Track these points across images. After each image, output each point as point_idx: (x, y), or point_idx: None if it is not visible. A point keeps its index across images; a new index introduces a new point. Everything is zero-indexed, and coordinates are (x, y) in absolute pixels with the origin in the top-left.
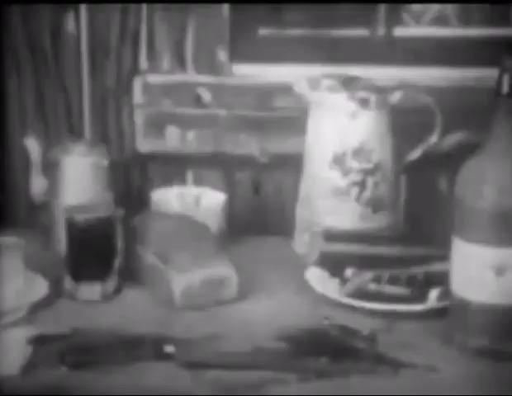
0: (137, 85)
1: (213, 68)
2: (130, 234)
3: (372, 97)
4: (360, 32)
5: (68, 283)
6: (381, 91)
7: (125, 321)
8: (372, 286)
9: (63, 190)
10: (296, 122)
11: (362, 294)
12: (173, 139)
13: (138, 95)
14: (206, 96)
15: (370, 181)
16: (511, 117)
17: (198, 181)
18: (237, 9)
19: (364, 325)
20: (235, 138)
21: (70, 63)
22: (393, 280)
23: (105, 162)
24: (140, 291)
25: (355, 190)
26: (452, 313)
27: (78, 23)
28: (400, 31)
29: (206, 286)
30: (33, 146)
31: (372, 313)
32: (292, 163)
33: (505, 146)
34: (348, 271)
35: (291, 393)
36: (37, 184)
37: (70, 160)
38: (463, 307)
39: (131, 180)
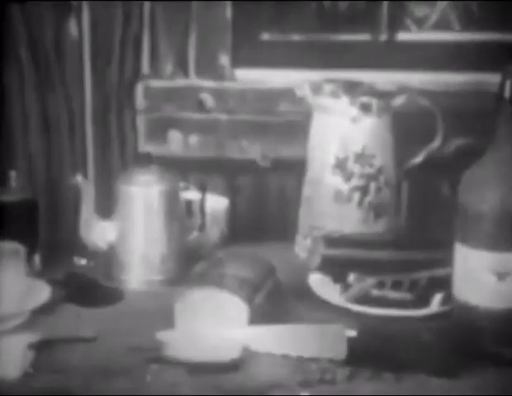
0: (139, 90)
1: (215, 73)
2: None
3: (374, 102)
4: (362, 37)
5: None
6: (384, 95)
7: (128, 325)
8: (375, 291)
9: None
10: (298, 127)
11: (364, 299)
12: (175, 144)
13: (140, 99)
14: (209, 101)
15: (372, 185)
16: None
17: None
18: (239, 14)
19: (367, 330)
20: (237, 142)
21: (72, 68)
22: (396, 285)
23: None
24: (141, 295)
25: (357, 195)
26: (454, 317)
27: (80, 27)
28: (402, 36)
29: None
30: (85, 185)
31: (375, 318)
32: (294, 168)
33: (508, 151)
34: (351, 277)
35: None
36: (94, 229)
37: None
38: (465, 312)
39: None
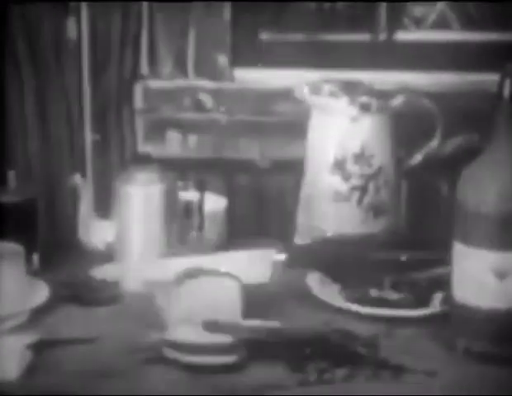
0: (138, 90)
1: (214, 73)
2: None
3: (373, 102)
4: (361, 37)
5: None
6: (383, 95)
7: (126, 325)
8: (374, 292)
9: None
10: (296, 127)
11: (363, 299)
12: (174, 144)
13: (139, 100)
14: (207, 101)
15: (371, 185)
16: None
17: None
18: (238, 14)
19: (366, 330)
20: (236, 143)
21: (71, 68)
22: (395, 286)
23: None
24: (142, 296)
25: (356, 195)
26: (453, 317)
27: (79, 28)
28: (401, 36)
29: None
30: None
31: (374, 319)
32: (293, 168)
33: (507, 150)
34: (350, 277)
35: None
36: (93, 229)
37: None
38: (465, 312)
39: None
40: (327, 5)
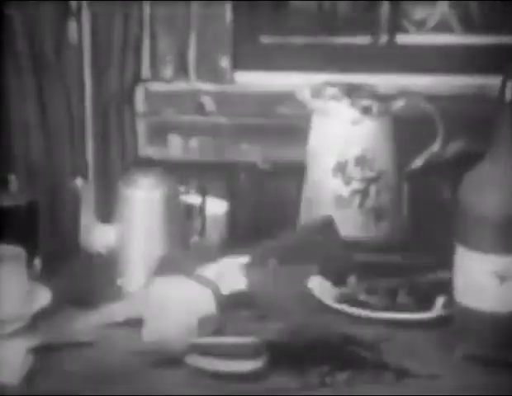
0: (139, 93)
1: (215, 75)
2: None
3: (375, 105)
4: (362, 40)
5: None
6: (384, 98)
7: (128, 329)
8: (376, 295)
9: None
10: (298, 130)
11: (365, 302)
12: (176, 147)
13: (140, 103)
14: (209, 104)
15: (372, 189)
16: None
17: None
18: (239, 17)
19: (367, 334)
20: (237, 146)
21: (72, 71)
22: (396, 289)
23: None
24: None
25: (358, 199)
26: (454, 321)
27: (80, 30)
28: (402, 39)
29: None
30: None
31: (376, 322)
32: (295, 171)
33: (508, 154)
34: (351, 280)
35: None
36: (95, 233)
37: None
38: (466, 315)
39: None
40: (328, 8)
